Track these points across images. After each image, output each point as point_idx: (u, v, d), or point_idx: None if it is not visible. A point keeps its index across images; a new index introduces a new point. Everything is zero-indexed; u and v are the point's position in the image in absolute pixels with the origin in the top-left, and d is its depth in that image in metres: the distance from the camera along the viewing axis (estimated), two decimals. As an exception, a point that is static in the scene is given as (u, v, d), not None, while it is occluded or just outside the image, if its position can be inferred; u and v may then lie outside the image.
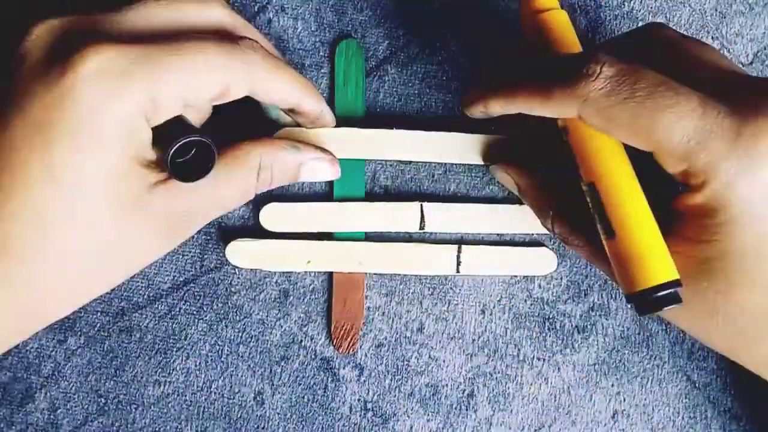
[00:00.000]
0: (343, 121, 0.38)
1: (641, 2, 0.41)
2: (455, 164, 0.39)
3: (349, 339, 0.37)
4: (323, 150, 0.36)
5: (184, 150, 0.29)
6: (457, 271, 0.38)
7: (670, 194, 0.30)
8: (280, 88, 0.32)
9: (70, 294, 0.30)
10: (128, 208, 0.28)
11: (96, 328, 0.38)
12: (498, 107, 0.33)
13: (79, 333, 0.38)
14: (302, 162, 0.35)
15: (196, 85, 0.29)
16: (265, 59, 0.31)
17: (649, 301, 0.28)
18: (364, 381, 0.38)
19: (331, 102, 0.39)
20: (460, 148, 0.38)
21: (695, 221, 0.29)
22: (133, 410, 0.37)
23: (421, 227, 0.38)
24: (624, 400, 0.38)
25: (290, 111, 0.34)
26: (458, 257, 0.38)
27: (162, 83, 0.27)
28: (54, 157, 0.26)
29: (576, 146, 0.31)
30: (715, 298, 0.29)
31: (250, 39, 0.31)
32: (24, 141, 0.26)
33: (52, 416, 0.37)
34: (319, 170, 0.35)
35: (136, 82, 0.27)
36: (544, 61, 0.33)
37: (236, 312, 0.38)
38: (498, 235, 0.39)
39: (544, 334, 0.38)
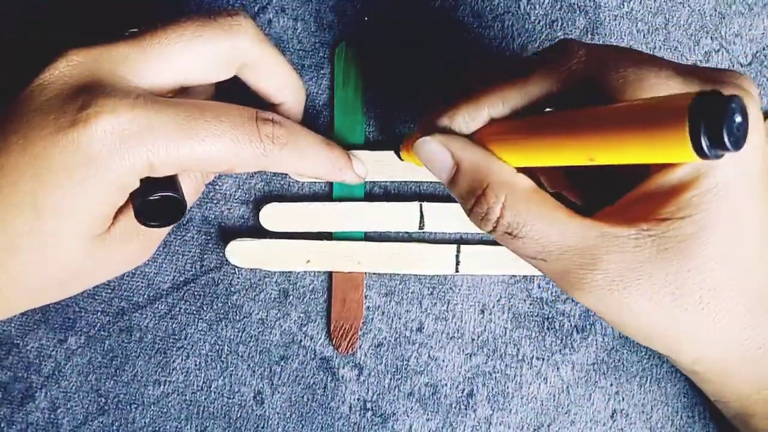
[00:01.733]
0: (343, 122, 0.38)
1: (641, 3, 0.41)
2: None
3: (348, 339, 0.38)
4: None
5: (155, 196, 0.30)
6: (456, 271, 0.38)
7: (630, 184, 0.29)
8: (305, 169, 0.33)
9: (27, 302, 0.32)
10: (95, 245, 0.30)
11: (96, 328, 0.38)
12: (465, 116, 0.30)
13: (79, 333, 0.38)
14: None
15: (199, 163, 0.29)
16: (284, 150, 0.31)
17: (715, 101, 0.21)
18: (364, 380, 0.38)
19: (330, 103, 0.39)
20: None
21: (669, 199, 0.27)
22: (133, 410, 0.37)
23: (421, 227, 0.38)
24: (623, 399, 0.38)
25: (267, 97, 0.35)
26: (457, 257, 0.38)
27: (165, 155, 0.28)
28: (41, 190, 0.27)
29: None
30: (688, 277, 0.27)
31: (273, 122, 0.31)
32: (18, 167, 0.27)
33: (52, 416, 0.37)
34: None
35: (141, 150, 0.28)
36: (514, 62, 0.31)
37: (236, 312, 0.38)
38: (497, 235, 0.39)
39: (543, 334, 0.38)
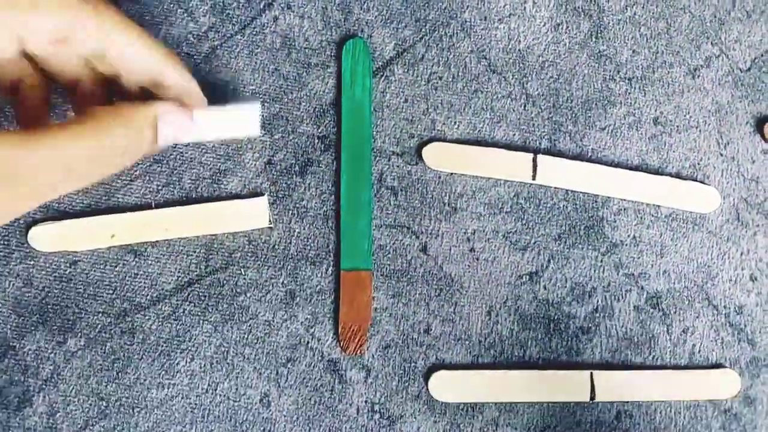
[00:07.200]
0: (350, 121, 0.38)
1: (643, 8, 0.41)
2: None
3: (356, 341, 0.37)
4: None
5: None
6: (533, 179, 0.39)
7: None
8: (137, 50, 0.29)
9: None
10: None
11: (97, 330, 0.37)
12: None
13: (78, 334, 0.37)
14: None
15: (34, 18, 0.27)
16: (120, 14, 0.29)
17: None
18: (371, 382, 0.38)
19: (337, 101, 0.39)
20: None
21: None
22: (136, 413, 0.37)
23: (592, 398, 0.38)
24: (626, 400, 0.38)
25: (154, 87, 0.31)
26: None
27: None
28: None
29: None
30: None
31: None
32: None
33: (51, 420, 0.36)
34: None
35: None
36: None
37: (242, 313, 0.37)
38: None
39: (549, 336, 0.39)
